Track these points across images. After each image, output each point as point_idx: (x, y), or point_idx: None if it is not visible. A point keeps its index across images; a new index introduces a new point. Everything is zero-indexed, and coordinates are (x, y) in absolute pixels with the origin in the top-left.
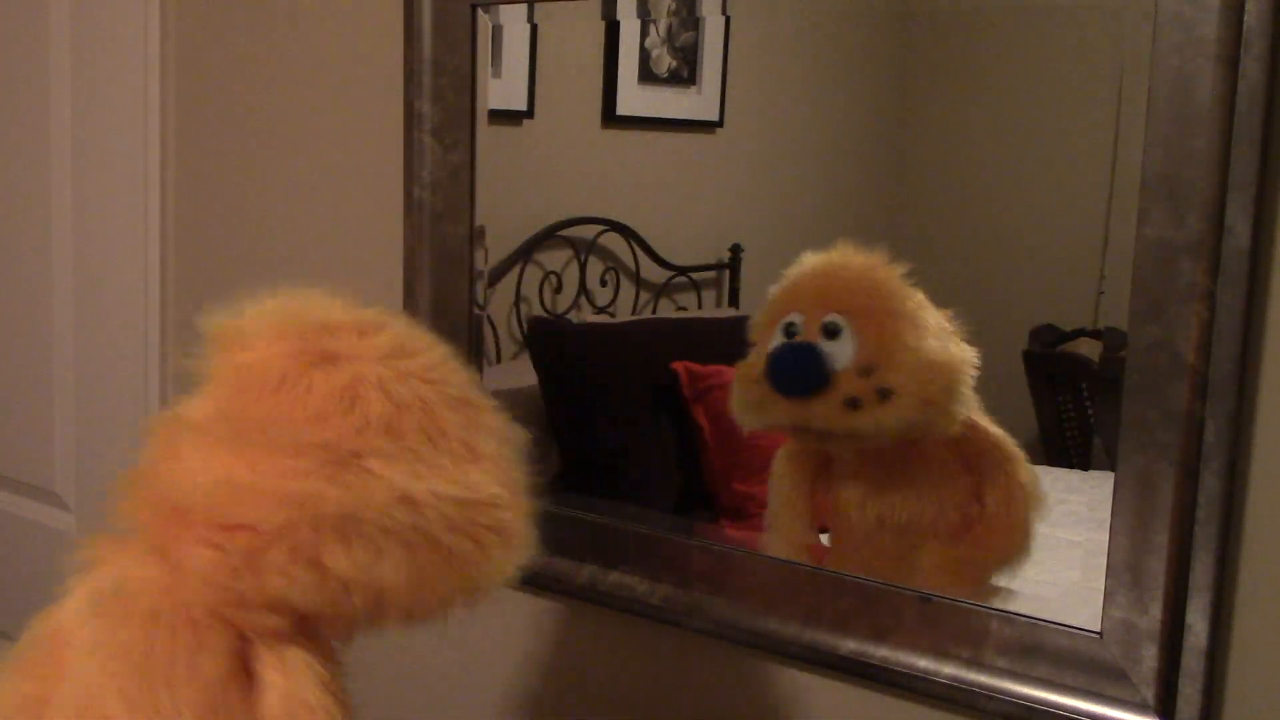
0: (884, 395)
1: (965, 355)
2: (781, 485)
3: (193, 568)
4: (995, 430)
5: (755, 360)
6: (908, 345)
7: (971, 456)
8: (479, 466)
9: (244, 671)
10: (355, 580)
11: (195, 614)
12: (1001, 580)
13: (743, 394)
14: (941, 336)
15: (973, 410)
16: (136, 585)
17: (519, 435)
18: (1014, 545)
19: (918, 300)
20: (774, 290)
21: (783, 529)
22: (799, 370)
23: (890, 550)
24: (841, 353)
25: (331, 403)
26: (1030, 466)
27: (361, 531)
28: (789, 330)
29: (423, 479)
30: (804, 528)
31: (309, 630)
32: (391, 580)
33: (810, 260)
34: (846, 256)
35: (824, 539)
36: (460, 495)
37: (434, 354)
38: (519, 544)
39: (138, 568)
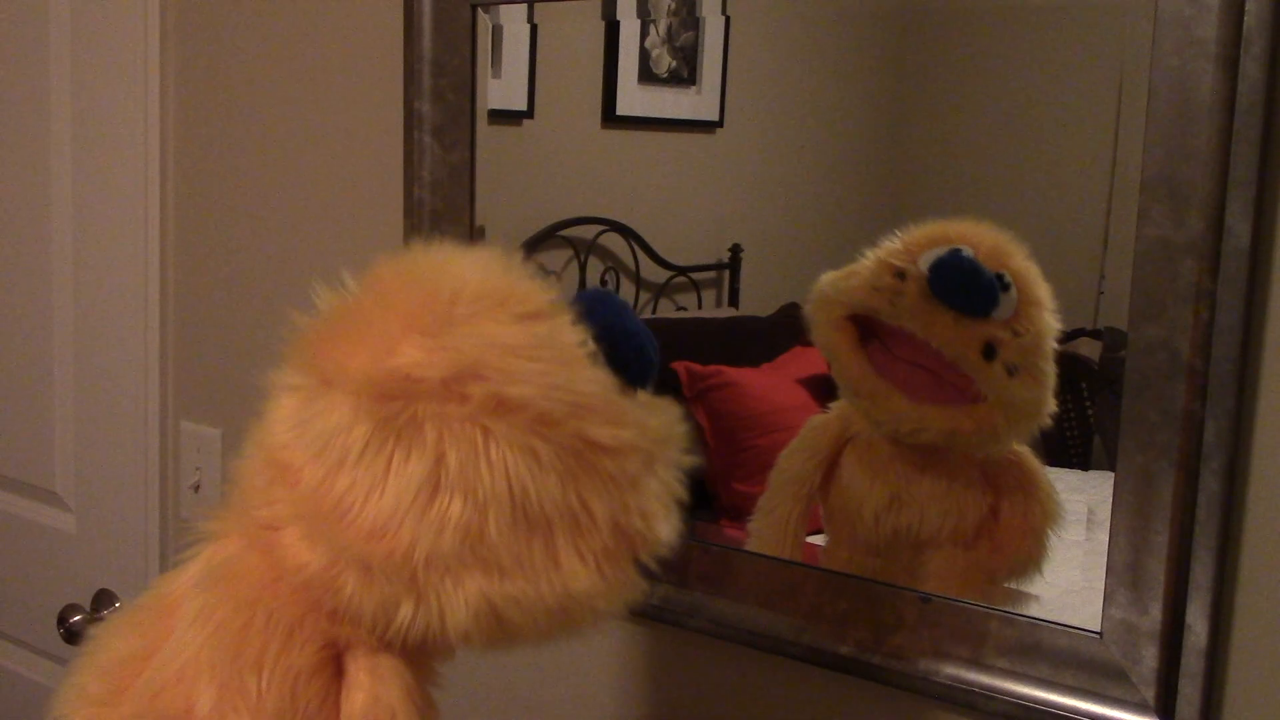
0: (1012, 371)
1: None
2: (794, 461)
3: (293, 570)
4: (1020, 446)
5: (895, 254)
6: (1050, 348)
7: (992, 471)
8: (579, 541)
9: (334, 669)
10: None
11: (292, 610)
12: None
13: (874, 273)
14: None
15: None
16: (243, 567)
17: (657, 431)
18: (1027, 555)
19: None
20: (912, 230)
21: (779, 514)
22: (978, 282)
23: (898, 560)
24: (1005, 303)
25: (406, 501)
26: (1049, 480)
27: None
28: (957, 254)
29: (502, 585)
30: (800, 516)
31: (401, 643)
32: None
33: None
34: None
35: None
36: (546, 603)
37: (546, 378)
38: (622, 589)
39: (248, 554)
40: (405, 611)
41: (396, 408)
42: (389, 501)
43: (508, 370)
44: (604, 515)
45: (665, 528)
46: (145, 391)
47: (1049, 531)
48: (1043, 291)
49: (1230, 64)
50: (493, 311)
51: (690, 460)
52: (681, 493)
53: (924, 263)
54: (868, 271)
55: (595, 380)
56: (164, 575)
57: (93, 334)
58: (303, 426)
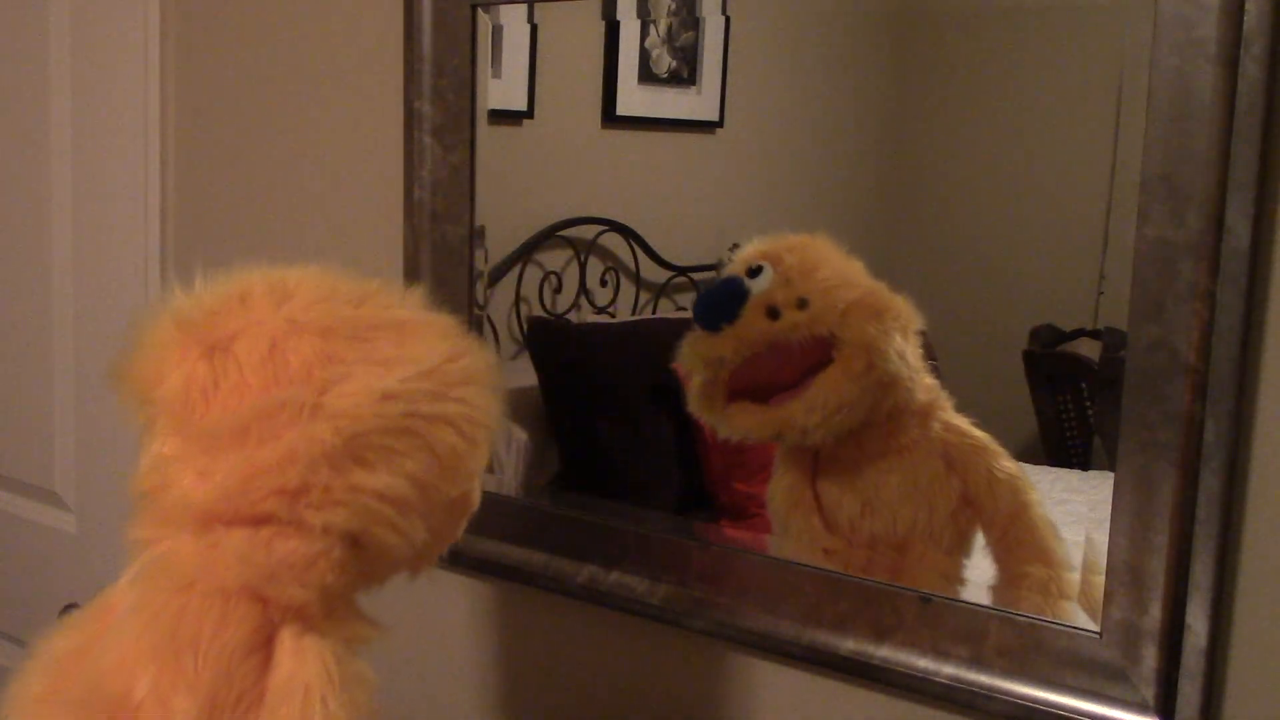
0: (802, 304)
1: (901, 303)
2: (783, 485)
3: (227, 544)
4: (976, 431)
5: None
6: (828, 265)
7: (955, 460)
8: (414, 339)
9: (266, 649)
10: (390, 488)
11: (227, 587)
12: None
13: (685, 351)
14: (870, 281)
15: (947, 410)
16: (175, 557)
17: (414, 298)
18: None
19: (851, 262)
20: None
21: (795, 531)
22: (716, 299)
23: (885, 563)
24: (760, 283)
25: (263, 374)
26: (1011, 459)
27: (370, 444)
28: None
29: (385, 375)
30: (819, 526)
31: (336, 612)
32: (419, 470)
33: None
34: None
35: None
36: (422, 369)
37: (310, 284)
38: (492, 383)
39: (179, 543)
40: (323, 430)
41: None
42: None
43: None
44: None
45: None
46: None
47: (1031, 500)
48: (812, 249)
49: (1230, 64)
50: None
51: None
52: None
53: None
54: (687, 358)
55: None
56: (108, 586)
57: (93, 334)
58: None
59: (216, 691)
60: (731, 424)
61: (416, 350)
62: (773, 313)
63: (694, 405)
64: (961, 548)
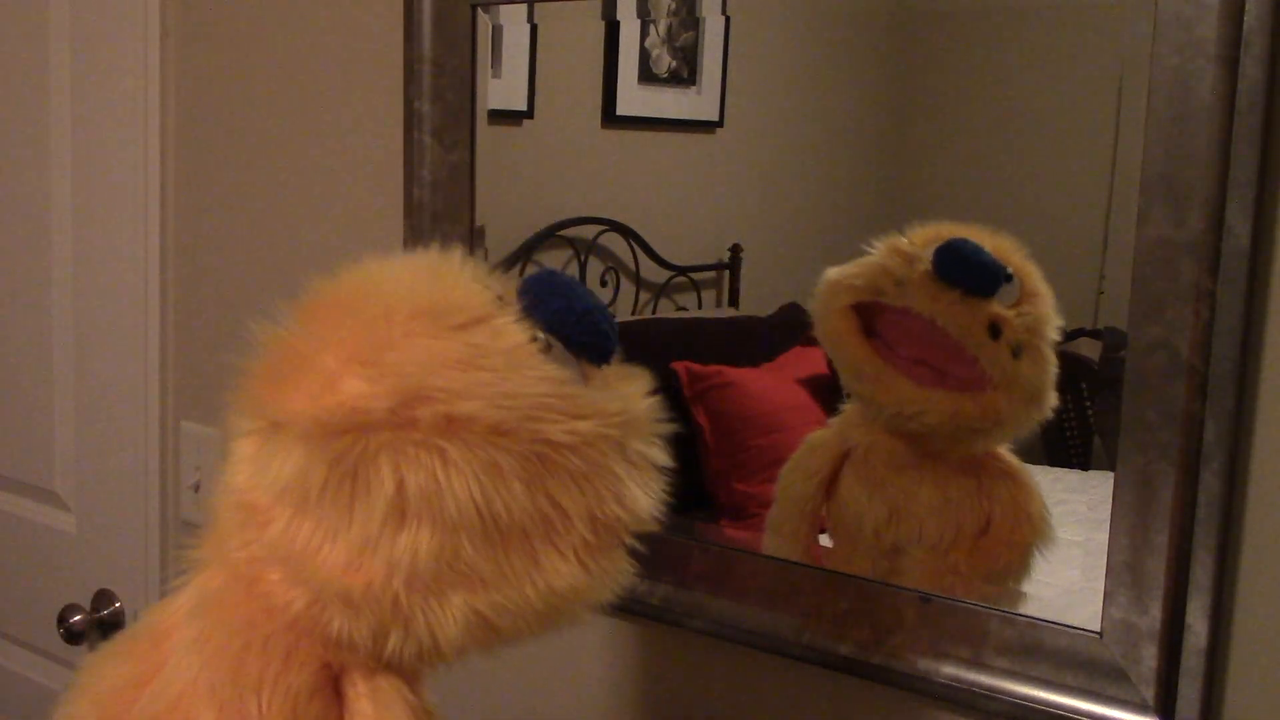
0: (1018, 352)
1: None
2: (794, 481)
3: (282, 602)
4: (1012, 458)
5: (902, 244)
6: (1051, 335)
7: (985, 483)
8: (556, 541)
9: (333, 690)
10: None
11: (291, 630)
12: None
13: (883, 257)
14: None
15: None
16: (234, 599)
17: (622, 407)
18: (1006, 566)
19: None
20: (930, 225)
21: (787, 531)
22: (980, 263)
23: (896, 569)
24: (1008, 291)
25: (372, 537)
26: (1043, 498)
27: (428, 589)
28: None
29: (488, 595)
30: (809, 530)
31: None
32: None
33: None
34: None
35: (822, 539)
36: (539, 605)
37: (504, 385)
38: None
39: (235, 586)
40: (395, 638)
41: (347, 443)
42: (356, 537)
43: (453, 388)
44: (577, 510)
45: (644, 504)
46: (145, 392)
47: (1034, 548)
48: (1043, 288)
49: (1230, 64)
50: (428, 328)
51: (665, 427)
52: (660, 459)
53: (929, 250)
54: (874, 259)
55: (544, 378)
56: (155, 605)
57: (93, 334)
58: (261, 471)
59: None
60: (839, 330)
61: (545, 560)
62: (994, 331)
63: (830, 283)
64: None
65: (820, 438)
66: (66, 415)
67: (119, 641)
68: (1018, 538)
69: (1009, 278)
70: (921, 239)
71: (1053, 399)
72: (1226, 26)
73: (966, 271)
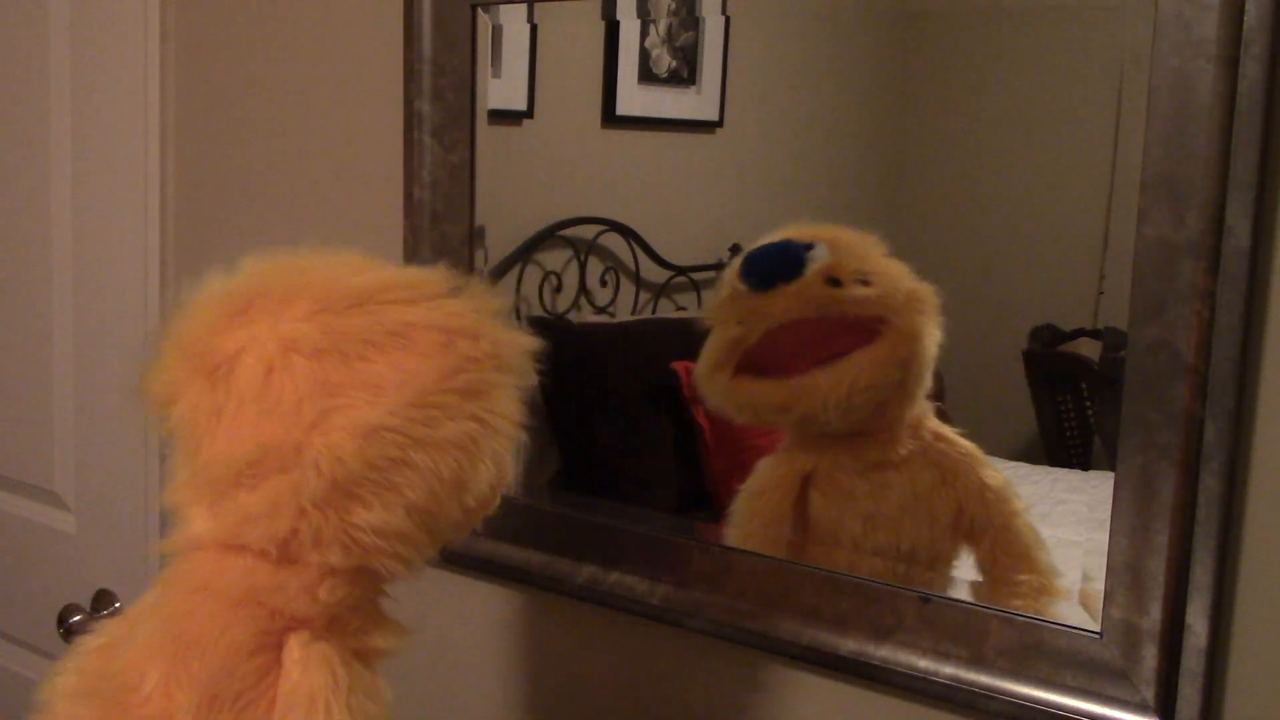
0: (865, 282)
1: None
2: (755, 527)
3: (234, 564)
4: (962, 440)
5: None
6: (884, 259)
7: (947, 470)
8: (413, 350)
9: (274, 651)
10: (387, 524)
11: (233, 594)
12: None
13: (718, 336)
14: (918, 281)
15: (931, 419)
16: (191, 564)
17: (430, 277)
18: (1012, 548)
19: (888, 256)
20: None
21: (757, 542)
22: (777, 254)
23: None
24: (818, 254)
25: (259, 404)
26: (1000, 474)
27: (361, 481)
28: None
29: (373, 405)
30: (785, 541)
31: (349, 623)
32: (420, 500)
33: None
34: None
35: None
36: (412, 398)
37: (299, 289)
38: (500, 385)
39: (199, 554)
40: (310, 479)
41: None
42: (251, 409)
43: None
44: (424, 318)
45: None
46: None
47: (1020, 522)
48: (857, 238)
49: (1230, 64)
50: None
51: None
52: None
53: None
54: (713, 330)
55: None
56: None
57: (93, 334)
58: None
59: (216, 688)
60: (738, 395)
61: (415, 367)
62: (834, 281)
63: (701, 372)
64: (954, 559)
65: (774, 459)
66: (66, 415)
67: (108, 620)
68: (992, 510)
69: (809, 246)
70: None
71: (931, 298)
72: (1226, 26)
73: (764, 264)
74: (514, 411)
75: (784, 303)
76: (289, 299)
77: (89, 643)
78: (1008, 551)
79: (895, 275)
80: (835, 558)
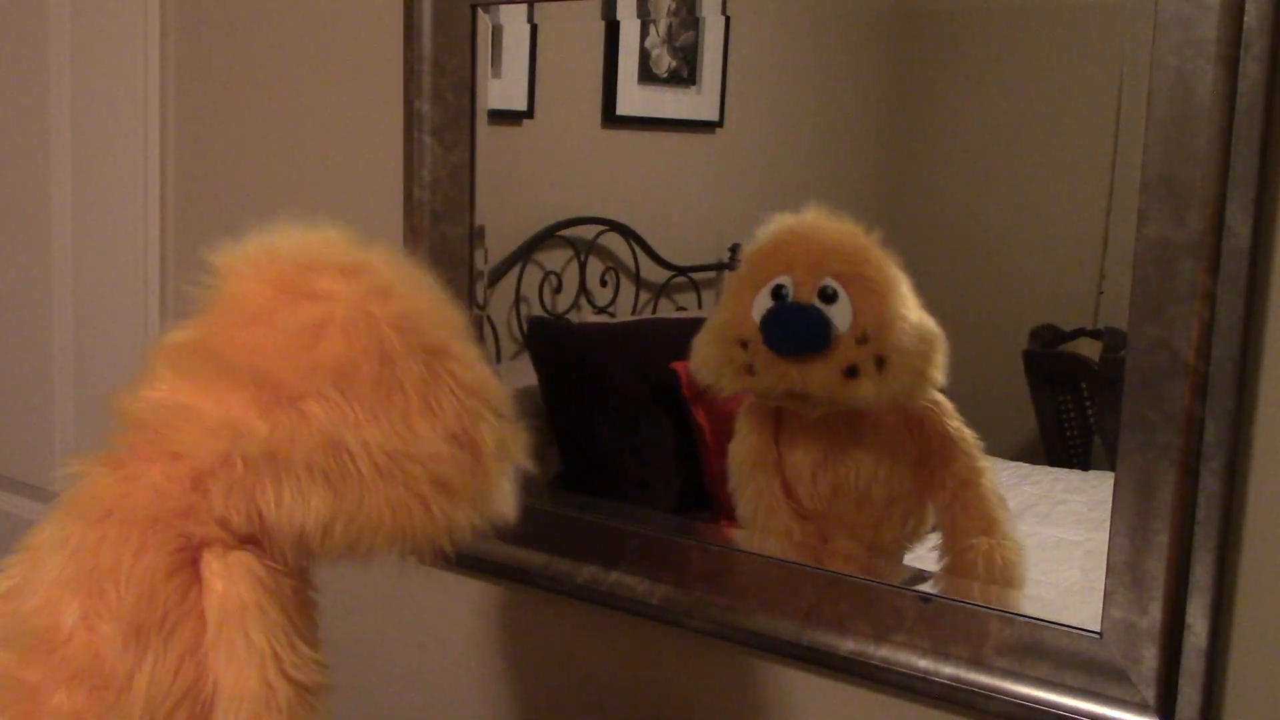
0: (880, 364)
1: (937, 328)
2: (747, 444)
3: (145, 481)
4: (955, 422)
5: (733, 321)
6: (899, 314)
7: (912, 416)
8: (431, 420)
9: (194, 569)
10: (282, 517)
11: (142, 518)
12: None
13: (722, 354)
14: (918, 307)
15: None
16: (96, 489)
17: (497, 391)
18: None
19: (896, 269)
20: (750, 251)
21: (749, 491)
22: (805, 329)
23: (844, 521)
24: (840, 316)
25: (293, 341)
26: (987, 463)
27: (289, 471)
28: (778, 293)
29: (359, 427)
30: (779, 489)
31: (258, 544)
32: (314, 521)
33: (785, 222)
34: (821, 220)
35: None
36: (394, 447)
37: (415, 300)
38: (470, 500)
39: (101, 475)
40: (262, 431)
41: (297, 281)
42: (278, 340)
43: (403, 282)
44: (457, 407)
45: (503, 479)
46: None
47: (999, 502)
48: (882, 271)
49: (1230, 64)
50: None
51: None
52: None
53: (756, 315)
54: (716, 351)
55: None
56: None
57: (93, 334)
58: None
59: (139, 614)
60: (762, 378)
61: (418, 429)
62: (852, 371)
63: (718, 372)
64: (919, 513)
65: (752, 402)
66: (66, 415)
67: (7, 558)
68: (954, 462)
69: (832, 298)
70: (749, 277)
71: (940, 343)
72: (1226, 26)
73: (795, 340)
74: (456, 525)
75: (800, 374)
76: (387, 291)
77: None
78: (968, 511)
79: (909, 336)
80: (800, 495)
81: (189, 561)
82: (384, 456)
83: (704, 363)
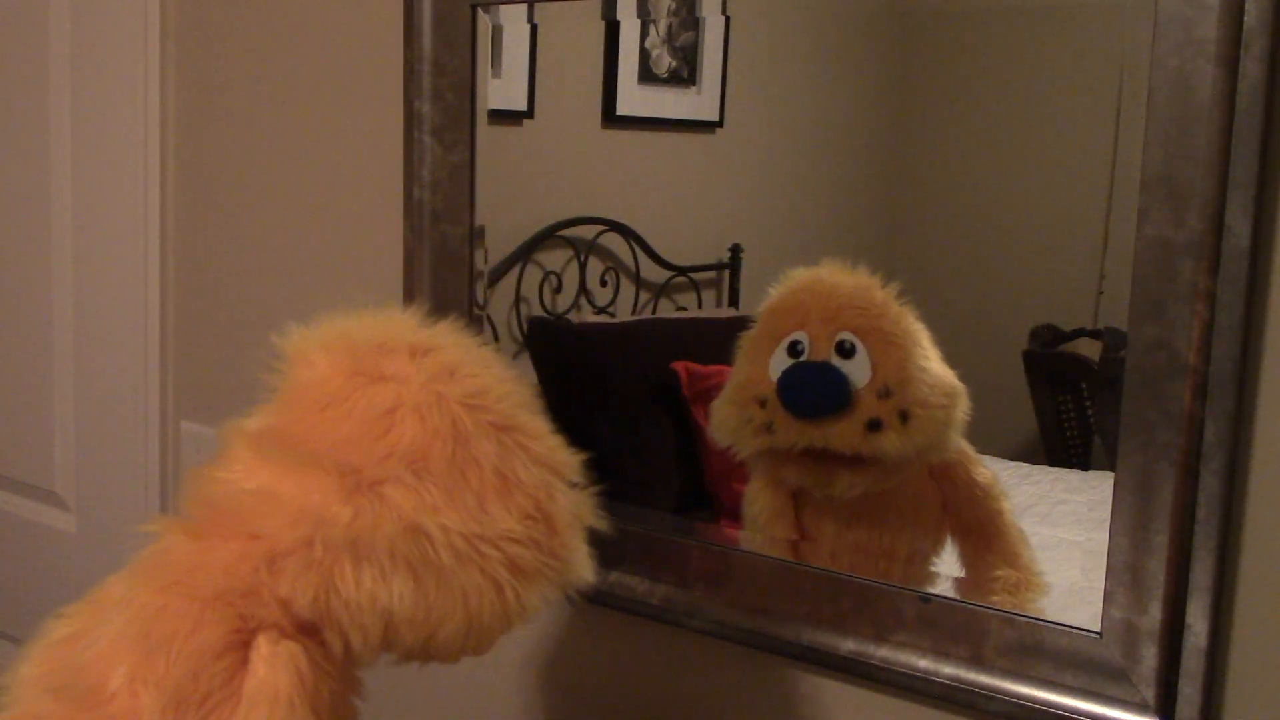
0: (904, 418)
1: (959, 382)
2: (763, 495)
3: (218, 556)
4: (981, 468)
5: (750, 381)
6: (920, 366)
7: (935, 465)
8: (505, 500)
9: (243, 655)
10: (361, 603)
11: (205, 593)
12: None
13: (740, 414)
14: (939, 360)
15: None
16: (169, 556)
17: (568, 460)
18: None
19: (915, 321)
20: (764, 308)
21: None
22: (823, 388)
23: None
24: (858, 373)
25: (367, 426)
26: (985, 466)
27: (370, 557)
28: (794, 349)
29: (437, 511)
30: (795, 533)
31: (317, 634)
32: (398, 607)
33: (799, 276)
34: (837, 274)
35: None
36: (471, 530)
37: (483, 378)
38: (543, 580)
39: (178, 543)
40: (344, 517)
41: (368, 365)
42: (354, 426)
43: (470, 361)
44: (531, 482)
45: (580, 544)
46: (145, 391)
47: (1002, 511)
48: (899, 325)
49: (1230, 64)
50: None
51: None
52: (590, 518)
53: (773, 374)
54: (734, 412)
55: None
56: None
57: (93, 334)
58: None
59: (182, 689)
60: (780, 437)
61: (492, 510)
62: (875, 425)
63: (735, 434)
64: (938, 551)
65: (765, 484)
66: (66, 415)
67: (72, 605)
68: (979, 507)
69: (850, 353)
70: (766, 334)
71: (962, 411)
72: (1226, 26)
73: (815, 405)
74: (526, 607)
75: (822, 434)
76: (459, 378)
77: (56, 631)
78: (991, 547)
79: (931, 389)
80: (820, 550)
81: (242, 644)
82: (461, 540)
83: (722, 424)
